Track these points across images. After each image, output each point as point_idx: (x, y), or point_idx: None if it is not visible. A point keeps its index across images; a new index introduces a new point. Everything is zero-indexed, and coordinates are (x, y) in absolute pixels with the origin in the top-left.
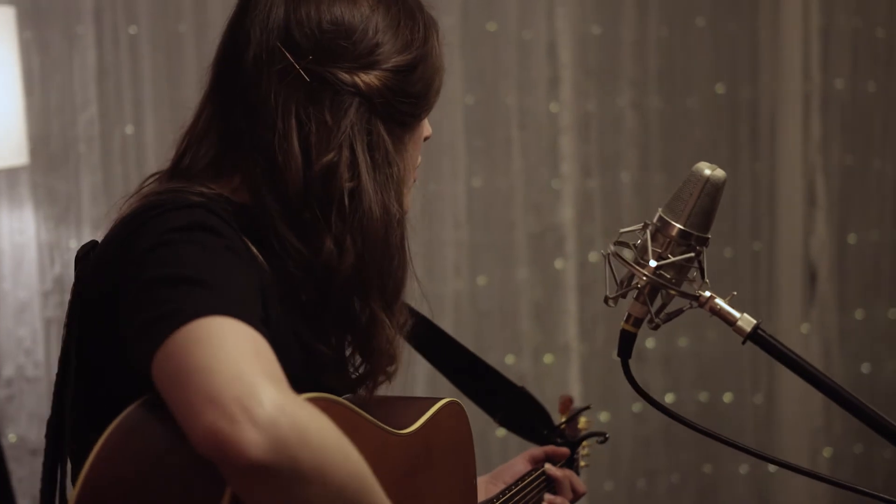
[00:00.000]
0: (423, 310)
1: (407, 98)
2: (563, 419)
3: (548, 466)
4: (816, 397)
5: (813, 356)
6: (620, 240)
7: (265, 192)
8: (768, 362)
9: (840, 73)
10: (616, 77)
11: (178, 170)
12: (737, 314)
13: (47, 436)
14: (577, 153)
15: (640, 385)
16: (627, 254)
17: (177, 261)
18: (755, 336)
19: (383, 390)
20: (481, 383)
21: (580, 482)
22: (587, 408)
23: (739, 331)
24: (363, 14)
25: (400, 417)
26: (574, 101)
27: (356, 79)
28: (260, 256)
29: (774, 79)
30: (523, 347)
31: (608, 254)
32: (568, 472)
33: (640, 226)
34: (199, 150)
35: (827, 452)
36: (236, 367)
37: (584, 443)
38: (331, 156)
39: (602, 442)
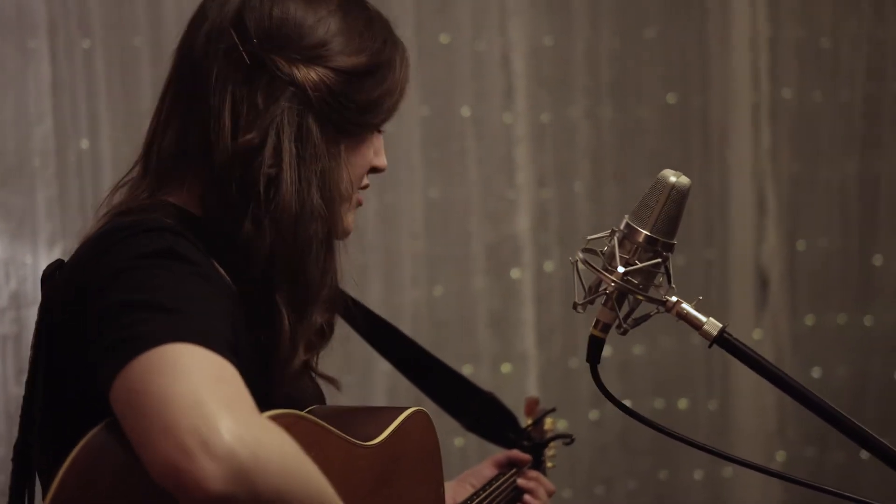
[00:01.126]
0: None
1: (348, 102)
2: (530, 422)
3: (520, 482)
4: (770, 402)
5: None
6: (588, 247)
7: (199, 166)
8: (723, 368)
9: (787, 82)
10: (569, 88)
11: (147, 167)
12: (703, 318)
13: (14, 458)
14: (532, 163)
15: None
16: (595, 260)
17: (143, 285)
18: (721, 339)
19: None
20: (447, 389)
21: (549, 483)
22: (552, 410)
23: (706, 334)
24: (318, 15)
25: (367, 429)
26: (528, 111)
27: (294, 69)
28: (226, 276)
29: (724, 89)
30: (481, 357)
31: (576, 261)
32: (537, 475)
33: (607, 233)
34: (164, 140)
35: (780, 456)
36: (194, 395)
37: (551, 444)
38: (253, 135)
39: (568, 444)
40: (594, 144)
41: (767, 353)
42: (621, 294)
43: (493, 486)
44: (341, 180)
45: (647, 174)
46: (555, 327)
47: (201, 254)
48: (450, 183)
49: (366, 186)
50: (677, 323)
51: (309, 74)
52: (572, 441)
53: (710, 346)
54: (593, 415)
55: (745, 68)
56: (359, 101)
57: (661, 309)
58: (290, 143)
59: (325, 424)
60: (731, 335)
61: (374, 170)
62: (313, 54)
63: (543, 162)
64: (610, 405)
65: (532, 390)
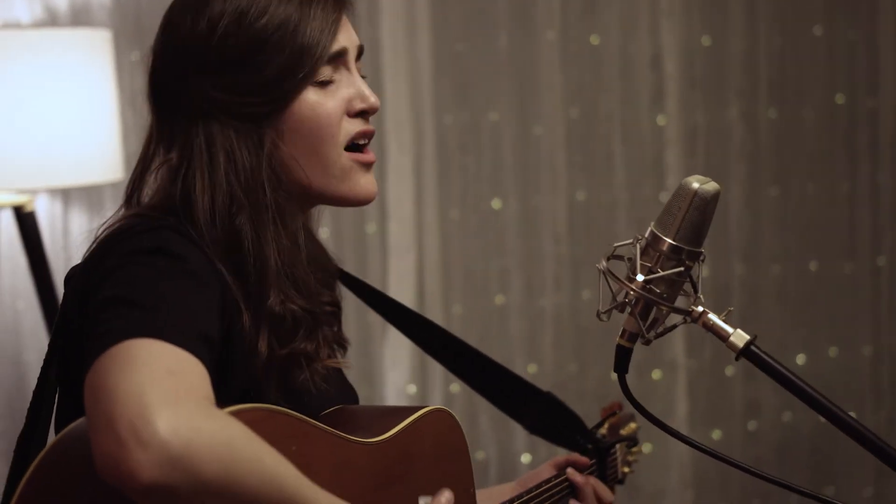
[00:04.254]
0: (520, 320)
1: (245, 93)
2: (600, 423)
3: (570, 471)
4: None
5: None
6: (615, 254)
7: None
8: (891, 380)
9: None
10: (725, 88)
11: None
12: (730, 329)
13: (16, 449)
14: (684, 166)
15: (651, 411)
16: (620, 268)
17: (125, 283)
18: (748, 352)
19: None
20: (506, 390)
21: (605, 490)
22: (613, 414)
23: (732, 346)
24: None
25: (377, 426)
26: (679, 113)
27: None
28: (226, 274)
29: None
30: (629, 363)
31: (601, 268)
32: (592, 480)
33: (631, 240)
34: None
35: None
36: (139, 387)
37: (633, 448)
38: (172, 155)
39: (630, 447)
40: (750, 146)
41: None
42: (646, 303)
43: (543, 487)
44: (277, 162)
45: (809, 177)
46: (706, 334)
47: (198, 251)
48: (596, 185)
49: (367, 132)
50: (844, 333)
51: (217, 96)
52: (635, 444)
53: (736, 359)
54: (751, 425)
55: None
56: (256, 83)
57: (688, 319)
58: (201, 154)
59: (308, 420)
60: (758, 347)
61: (364, 112)
62: (214, 78)
63: (695, 165)
64: (767, 416)
65: (681, 399)
